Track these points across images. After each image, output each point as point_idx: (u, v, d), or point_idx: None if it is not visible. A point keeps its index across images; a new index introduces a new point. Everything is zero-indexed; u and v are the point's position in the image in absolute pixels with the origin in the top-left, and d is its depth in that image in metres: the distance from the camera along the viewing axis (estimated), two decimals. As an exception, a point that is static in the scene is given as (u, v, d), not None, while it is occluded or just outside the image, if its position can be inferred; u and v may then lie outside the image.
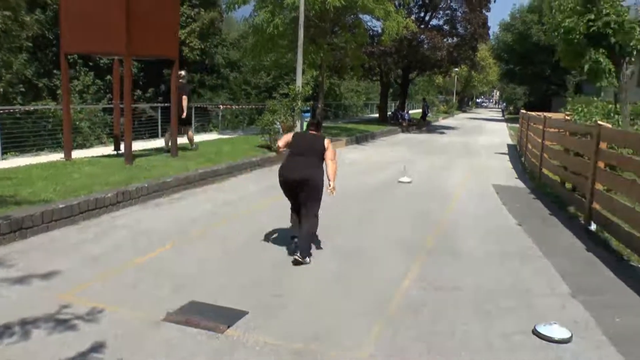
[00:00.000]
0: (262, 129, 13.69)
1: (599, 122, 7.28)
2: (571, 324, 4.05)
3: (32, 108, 14.01)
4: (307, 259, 5.31)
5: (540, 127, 11.50)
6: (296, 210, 5.65)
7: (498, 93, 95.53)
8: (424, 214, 7.87)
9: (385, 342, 3.73)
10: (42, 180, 7.58)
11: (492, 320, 4.15)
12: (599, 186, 7.02)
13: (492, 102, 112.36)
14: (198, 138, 12.75)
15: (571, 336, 3.83)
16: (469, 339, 3.82)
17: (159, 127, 15.63)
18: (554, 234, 7.06)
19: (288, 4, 15.60)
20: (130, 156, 9.55)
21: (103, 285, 4.48)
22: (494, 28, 77.94)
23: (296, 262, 5.24)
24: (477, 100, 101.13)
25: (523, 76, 47.00)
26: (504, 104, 73.69)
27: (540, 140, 11.33)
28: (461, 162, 14.51)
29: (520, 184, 11.25)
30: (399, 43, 23.84)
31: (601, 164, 6.97)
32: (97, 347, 3.42)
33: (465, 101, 79.33)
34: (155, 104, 17.67)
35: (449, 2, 28.39)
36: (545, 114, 13.85)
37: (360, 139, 19.66)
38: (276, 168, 11.33)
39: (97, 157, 10.38)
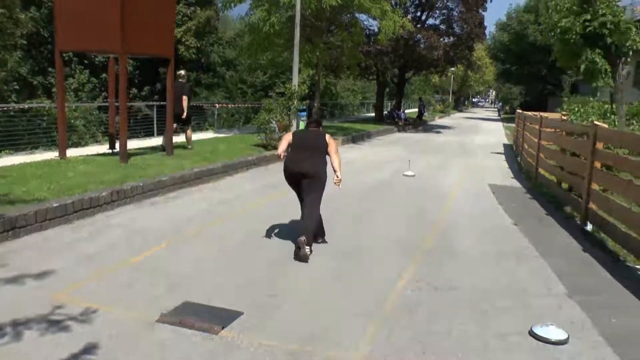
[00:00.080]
0: (258, 127, 13.66)
1: (596, 123, 7.28)
2: (567, 325, 4.04)
3: (26, 106, 13.94)
4: (308, 249, 5.33)
5: (537, 127, 11.50)
6: (303, 202, 5.77)
7: (494, 93, 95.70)
8: (421, 213, 7.86)
9: (381, 342, 3.71)
10: (36, 178, 7.53)
11: (489, 321, 4.14)
12: (595, 186, 7.02)
13: (488, 101, 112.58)
14: (194, 137, 12.69)
15: (568, 337, 3.82)
16: (465, 340, 3.80)
17: (155, 126, 15.58)
18: (550, 234, 7.05)
19: (284, 3, 15.56)
20: (126, 155, 9.50)
21: (97, 285, 4.45)
22: (490, 28, 78.06)
23: (299, 246, 5.27)
24: (474, 99, 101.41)
25: (519, 76, 47.10)
26: (500, 103, 73.85)
27: (536, 140, 11.34)
28: (457, 162, 14.52)
29: (516, 183, 11.25)
30: (395, 42, 23.83)
31: (597, 164, 6.96)
32: (90, 348, 3.38)
33: (461, 101, 79.49)
34: (150, 103, 17.62)
35: (445, 1, 28.42)
36: (542, 113, 13.86)
37: (357, 138, 19.64)
38: (272, 167, 11.44)
39: (92, 155, 10.32)
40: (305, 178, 5.61)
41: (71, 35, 9.17)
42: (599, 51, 13.56)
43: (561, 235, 7.01)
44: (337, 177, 5.59)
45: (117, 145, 10.21)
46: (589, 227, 7.13)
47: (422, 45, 26.83)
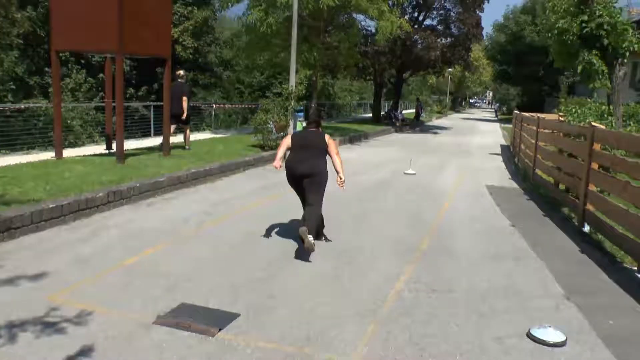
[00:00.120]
0: (255, 128, 13.64)
1: (593, 124, 7.28)
2: (565, 326, 4.03)
3: (23, 106, 13.88)
4: (312, 238, 5.31)
5: (534, 128, 11.50)
6: (305, 202, 5.81)
7: (491, 93, 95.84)
8: (418, 214, 7.84)
9: (378, 344, 3.69)
10: (33, 179, 7.50)
11: (486, 323, 4.12)
12: (592, 187, 7.02)
13: (486, 102, 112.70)
14: (191, 137, 12.66)
15: (566, 339, 3.81)
16: (463, 342, 3.79)
17: (152, 126, 15.54)
18: (547, 235, 7.05)
19: (281, 3, 15.54)
20: (122, 155, 9.48)
21: (93, 286, 4.42)
22: (487, 29, 78.23)
23: (302, 237, 5.28)
24: (471, 100, 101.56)
25: (516, 77, 47.13)
26: (497, 104, 73.97)
27: (533, 141, 11.34)
28: (455, 162, 14.52)
29: (513, 184, 11.26)
30: (392, 43, 23.84)
31: (595, 166, 6.97)
32: (86, 351, 3.36)
33: (458, 101, 79.58)
34: (148, 103, 17.57)
35: (442, 2, 28.45)
36: (539, 114, 13.86)
37: (354, 138, 19.63)
38: (269, 168, 11.43)
39: (88, 156, 10.29)
40: (307, 177, 5.66)
41: (67, 35, 9.14)
42: (596, 52, 13.56)
43: (558, 236, 7.01)
44: (340, 178, 5.63)
45: (114, 145, 10.18)
46: (586, 228, 7.13)
47: (419, 46, 26.85)
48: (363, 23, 23.37)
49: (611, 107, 13.13)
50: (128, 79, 21.12)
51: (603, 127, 7.42)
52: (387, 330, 3.90)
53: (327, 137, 5.77)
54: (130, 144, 12.13)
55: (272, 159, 12.27)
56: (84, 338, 3.52)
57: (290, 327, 3.87)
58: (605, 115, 11.44)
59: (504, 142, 22.42)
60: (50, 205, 6.10)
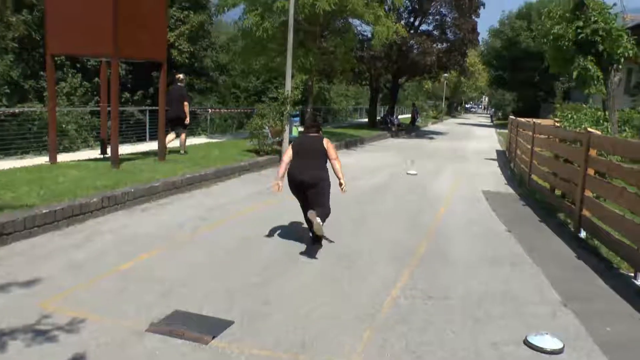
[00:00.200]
0: (251, 133, 13.60)
1: (589, 130, 7.29)
2: (562, 333, 4.00)
3: (17, 110, 13.81)
4: (319, 220, 5.48)
5: (530, 133, 11.51)
6: (306, 208, 5.89)
7: (487, 99, 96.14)
8: (414, 220, 7.82)
9: (374, 352, 3.65)
10: (26, 184, 7.44)
11: (483, 329, 4.09)
12: (588, 193, 7.02)
13: (481, 107, 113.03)
14: (187, 142, 12.61)
15: (563, 347, 3.78)
16: (459, 349, 3.76)
17: (147, 131, 15.48)
18: (544, 240, 7.03)
19: (278, 8, 15.53)
20: (117, 160, 9.42)
21: (86, 293, 4.37)
22: (483, 34, 78.42)
23: (310, 220, 5.53)
24: (466, 105, 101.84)
25: (512, 82, 47.34)
26: (493, 109, 74.19)
27: (529, 147, 11.35)
28: (451, 168, 14.52)
29: (509, 190, 11.25)
30: (388, 48, 23.86)
31: (591, 171, 6.96)
32: (78, 359, 3.31)
33: (454, 106, 79.77)
34: (143, 107, 17.52)
35: (438, 7, 28.53)
36: (535, 120, 13.88)
37: (350, 143, 19.62)
38: (265, 173, 11.40)
39: (83, 160, 10.23)
40: (310, 188, 5.72)
41: (63, 38, 9.09)
42: (591, 58, 13.60)
43: (555, 242, 7.00)
44: (341, 184, 5.79)
45: (109, 150, 10.12)
46: (583, 234, 7.13)
47: (415, 51, 26.90)
48: (359, 28, 23.38)
49: (606, 113, 13.16)
50: (124, 83, 21.06)
51: (599, 133, 7.42)
52: (384, 337, 3.87)
53: (325, 141, 5.86)
54: (125, 149, 12.07)
55: (267, 164, 12.32)
56: (76, 346, 3.47)
57: (285, 333, 3.83)
58: (601, 121, 11.46)
59: (499, 148, 22.45)
60: (44, 211, 6.04)
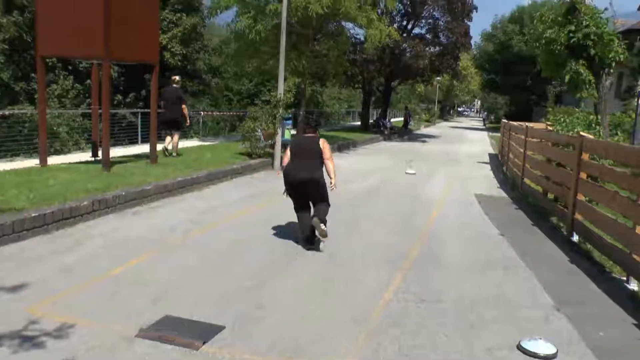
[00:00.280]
0: (243, 135, 13.55)
1: (582, 133, 7.30)
2: (555, 337, 3.99)
3: (7, 112, 13.68)
4: (323, 225, 5.81)
5: (522, 137, 11.54)
6: (301, 209, 6.09)
7: (479, 102, 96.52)
8: (407, 223, 7.80)
9: (368, 356, 3.62)
10: (16, 187, 7.35)
11: (476, 334, 4.07)
12: (581, 197, 7.02)
13: (474, 111, 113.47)
14: (179, 145, 12.54)
15: (556, 352, 3.77)
16: (452, 354, 3.73)
17: (139, 133, 15.39)
18: (536, 244, 7.03)
19: (270, 10, 15.50)
20: (109, 163, 9.34)
21: (75, 298, 4.31)
22: (475, 38, 78.75)
23: (314, 226, 5.84)
24: (459, 109, 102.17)
25: (504, 86, 47.51)
26: (485, 113, 74.47)
27: (522, 150, 11.37)
28: (443, 171, 14.54)
29: (502, 193, 11.27)
30: (381, 51, 23.88)
31: (583, 175, 6.97)
32: (66, 365, 3.26)
33: (447, 110, 79.99)
34: (135, 110, 17.42)
35: (431, 11, 28.57)
36: (527, 123, 13.93)
37: (342, 147, 19.60)
38: (257, 176, 11.35)
39: (74, 163, 10.14)
40: (305, 186, 5.88)
41: (53, 40, 9.01)
42: (583, 62, 13.70)
43: (547, 245, 7.00)
44: (332, 183, 5.98)
45: (101, 152, 10.04)
46: (575, 237, 7.13)
47: (408, 55, 26.93)
48: (352, 31, 23.39)
49: (598, 117, 13.23)
50: (116, 86, 20.97)
51: (592, 136, 7.44)
52: (377, 341, 3.84)
53: (322, 141, 6.03)
54: (117, 151, 12.00)
55: (260, 166, 12.29)
56: (65, 351, 3.42)
57: (278, 338, 3.79)
58: (593, 125, 11.51)
59: (492, 151, 22.52)
60: (33, 214, 5.97)
